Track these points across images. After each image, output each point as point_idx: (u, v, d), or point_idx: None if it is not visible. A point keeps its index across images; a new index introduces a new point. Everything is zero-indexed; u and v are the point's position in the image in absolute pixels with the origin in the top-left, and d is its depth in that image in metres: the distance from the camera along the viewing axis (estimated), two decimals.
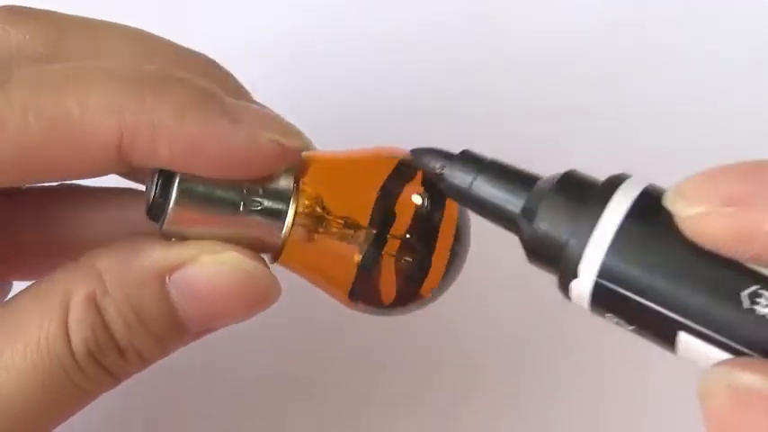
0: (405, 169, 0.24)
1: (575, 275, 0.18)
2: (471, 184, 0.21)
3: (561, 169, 0.20)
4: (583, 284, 0.18)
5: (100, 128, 0.21)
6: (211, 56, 0.24)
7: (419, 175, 0.23)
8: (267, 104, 0.24)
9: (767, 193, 0.16)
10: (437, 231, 0.24)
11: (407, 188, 0.23)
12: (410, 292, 0.24)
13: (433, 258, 0.24)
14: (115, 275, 0.22)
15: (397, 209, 0.23)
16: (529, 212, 0.20)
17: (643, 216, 0.18)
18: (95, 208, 0.26)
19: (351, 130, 0.34)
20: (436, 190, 0.22)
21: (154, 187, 0.22)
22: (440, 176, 0.21)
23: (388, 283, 0.24)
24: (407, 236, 0.23)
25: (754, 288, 0.17)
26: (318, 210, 0.23)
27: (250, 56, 0.34)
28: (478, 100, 0.35)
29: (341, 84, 0.36)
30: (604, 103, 0.35)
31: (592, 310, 0.19)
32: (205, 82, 0.22)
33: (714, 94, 0.35)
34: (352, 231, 0.23)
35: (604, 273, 0.18)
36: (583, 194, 0.19)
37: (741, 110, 0.35)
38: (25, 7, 0.23)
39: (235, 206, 0.22)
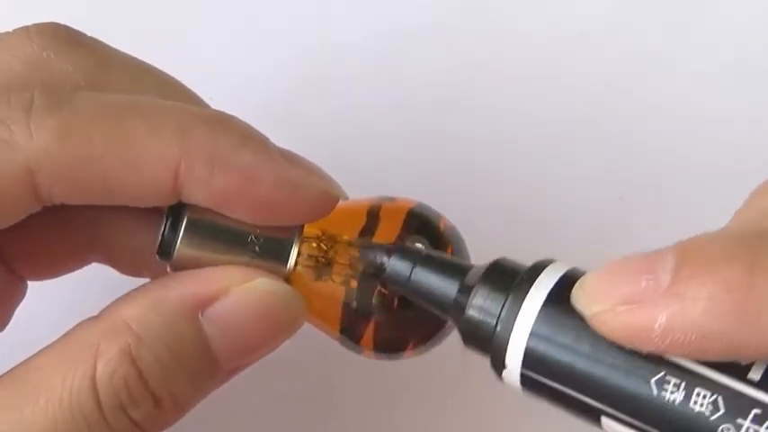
0: (411, 221, 0.24)
1: (504, 366, 0.19)
2: (410, 275, 0.22)
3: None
4: (512, 374, 0.19)
5: (162, 153, 0.21)
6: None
7: (426, 227, 0.24)
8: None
9: (656, 288, 0.17)
10: None
11: (407, 239, 0.24)
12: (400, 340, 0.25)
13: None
14: (146, 322, 0.21)
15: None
16: (461, 301, 0.21)
17: (559, 305, 0.19)
18: (118, 214, 0.25)
19: (350, 160, 0.34)
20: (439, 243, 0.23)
21: (163, 225, 0.22)
22: (382, 268, 0.23)
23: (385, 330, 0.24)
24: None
25: (660, 375, 0.17)
26: (321, 252, 0.24)
27: (248, 90, 0.34)
28: (478, 114, 0.35)
29: (339, 118, 0.35)
30: (604, 105, 0.35)
31: (525, 395, 0.20)
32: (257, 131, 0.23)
33: (713, 97, 0.34)
34: (352, 278, 0.23)
35: (527, 363, 0.19)
36: (508, 283, 0.20)
37: (740, 112, 0.34)
38: (71, 30, 0.23)
39: (241, 246, 0.22)
